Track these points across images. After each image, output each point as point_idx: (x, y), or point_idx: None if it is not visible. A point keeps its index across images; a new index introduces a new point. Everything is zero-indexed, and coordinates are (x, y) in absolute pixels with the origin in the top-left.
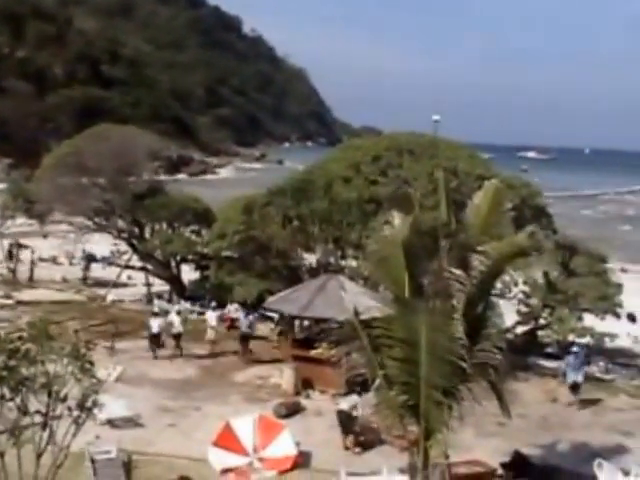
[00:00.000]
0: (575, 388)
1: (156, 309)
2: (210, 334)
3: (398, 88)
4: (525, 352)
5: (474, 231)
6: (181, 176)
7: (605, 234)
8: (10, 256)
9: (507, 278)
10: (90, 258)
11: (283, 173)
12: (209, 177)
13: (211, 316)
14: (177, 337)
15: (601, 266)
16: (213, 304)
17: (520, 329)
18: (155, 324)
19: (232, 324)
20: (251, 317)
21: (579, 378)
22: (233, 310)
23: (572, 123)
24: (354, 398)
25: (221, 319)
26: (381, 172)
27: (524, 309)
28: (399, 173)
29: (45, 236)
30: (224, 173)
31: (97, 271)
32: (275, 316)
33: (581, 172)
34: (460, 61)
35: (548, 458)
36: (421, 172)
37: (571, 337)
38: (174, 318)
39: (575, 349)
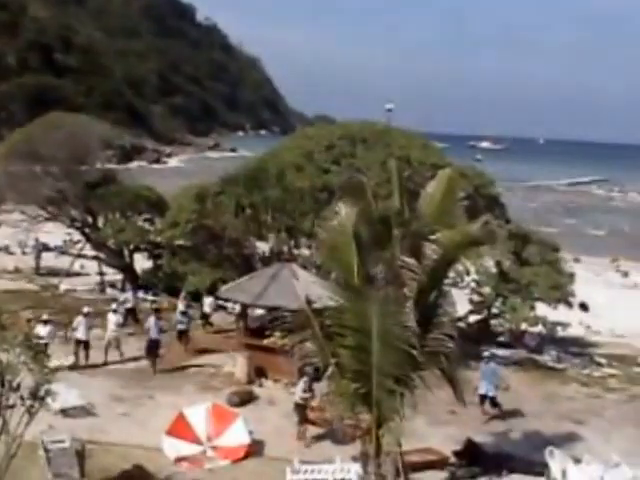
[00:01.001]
0: (483, 401)
1: (114, 306)
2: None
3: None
4: (478, 341)
5: (427, 220)
6: (134, 165)
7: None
8: None
9: (460, 267)
10: (42, 247)
11: (236, 162)
12: (162, 166)
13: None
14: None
15: (554, 255)
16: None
17: (473, 318)
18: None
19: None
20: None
21: (489, 390)
22: (207, 304)
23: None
24: (300, 383)
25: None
26: (334, 161)
27: (477, 298)
28: (352, 162)
29: None
30: (177, 162)
31: (50, 260)
32: (229, 305)
33: (534, 162)
34: (411, 46)
35: (500, 446)
36: (374, 161)
37: (523, 326)
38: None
39: (486, 353)
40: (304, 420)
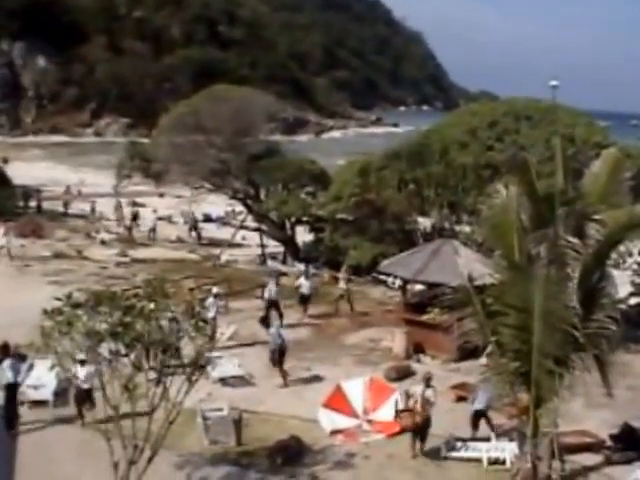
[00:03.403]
0: (477, 418)
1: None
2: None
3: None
4: (638, 324)
5: (591, 199)
6: (299, 137)
7: None
8: (134, 218)
9: (622, 248)
10: (196, 221)
11: (399, 137)
12: (325, 138)
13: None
14: None
15: None
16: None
17: (634, 300)
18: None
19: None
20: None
21: (480, 404)
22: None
23: None
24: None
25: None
26: (498, 138)
27: (638, 280)
28: (516, 139)
29: (161, 195)
30: (340, 135)
31: (212, 231)
32: (389, 280)
33: None
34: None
35: None
36: (538, 139)
37: None
38: None
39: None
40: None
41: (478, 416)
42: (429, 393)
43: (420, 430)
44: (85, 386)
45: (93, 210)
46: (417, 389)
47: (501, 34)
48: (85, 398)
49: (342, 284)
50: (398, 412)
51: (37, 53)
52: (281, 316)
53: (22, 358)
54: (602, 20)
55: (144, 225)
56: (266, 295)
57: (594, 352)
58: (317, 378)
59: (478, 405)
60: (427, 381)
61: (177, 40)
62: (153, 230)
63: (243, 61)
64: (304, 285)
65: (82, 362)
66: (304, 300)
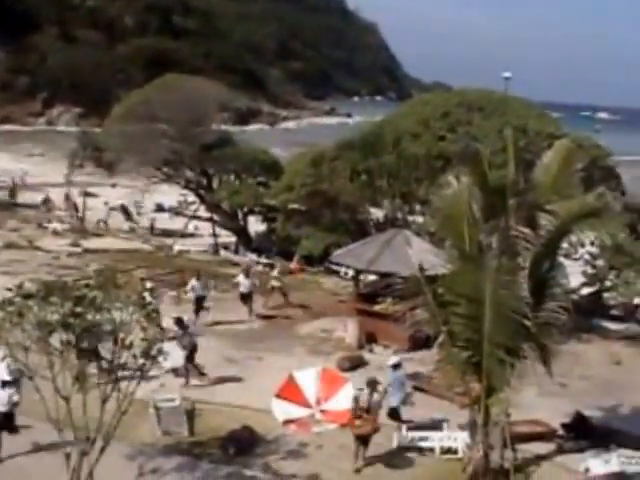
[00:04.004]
0: (393, 415)
1: None
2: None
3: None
4: (589, 314)
5: (543, 190)
6: (251, 127)
7: None
8: (76, 208)
9: (574, 239)
10: (125, 209)
11: (352, 127)
12: (278, 129)
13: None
14: None
15: None
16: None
17: (585, 290)
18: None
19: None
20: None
21: (395, 401)
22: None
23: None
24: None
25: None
26: (450, 128)
27: (590, 270)
28: (468, 130)
29: (113, 186)
30: (293, 125)
31: (164, 221)
32: (342, 270)
33: None
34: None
35: (609, 420)
36: (490, 130)
37: (637, 300)
38: None
39: (393, 361)
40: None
41: (393, 413)
42: (376, 398)
43: (367, 437)
44: (3, 409)
45: (46, 200)
46: (363, 395)
47: (460, 27)
48: (3, 424)
49: (274, 282)
50: (353, 417)
51: None
52: (250, 311)
53: None
54: (554, 15)
55: (95, 215)
56: (241, 289)
57: (545, 342)
58: (269, 368)
59: (393, 402)
60: (372, 386)
61: (131, 30)
62: (105, 221)
63: (197, 51)
64: (242, 283)
65: (4, 384)
66: (244, 299)
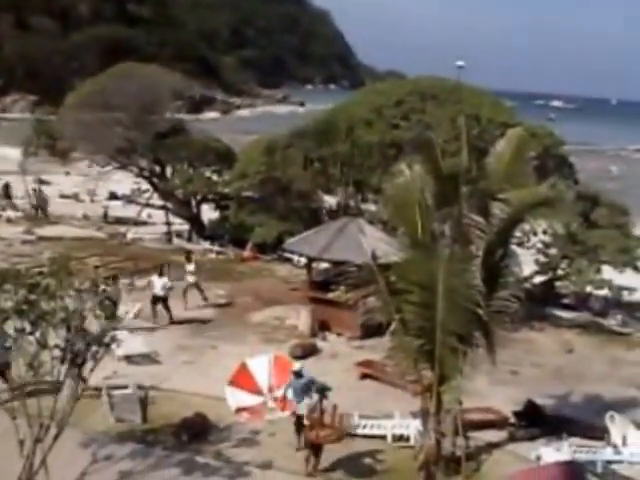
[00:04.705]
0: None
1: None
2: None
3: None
4: (542, 302)
5: (496, 178)
6: (206, 116)
7: None
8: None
9: (527, 227)
10: (43, 200)
11: (305, 115)
12: (230, 117)
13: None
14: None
15: (623, 218)
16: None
17: (538, 279)
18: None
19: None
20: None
21: (300, 409)
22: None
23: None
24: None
25: None
26: (403, 116)
27: (543, 259)
28: (421, 118)
29: (67, 173)
30: (246, 114)
31: (118, 209)
32: (295, 258)
33: (607, 124)
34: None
35: (561, 408)
36: (444, 118)
37: (589, 289)
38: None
39: (296, 367)
40: (312, 447)
41: (300, 423)
42: (325, 404)
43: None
44: None
45: (6, 187)
46: (312, 401)
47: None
48: None
49: (190, 277)
50: (308, 426)
51: None
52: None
53: None
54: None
55: (50, 204)
56: (155, 291)
57: (497, 329)
58: (222, 356)
59: (298, 410)
60: (322, 392)
61: (85, 17)
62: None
63: (151, 39)
64: (156, 284)
65: None
66: (155, 302)
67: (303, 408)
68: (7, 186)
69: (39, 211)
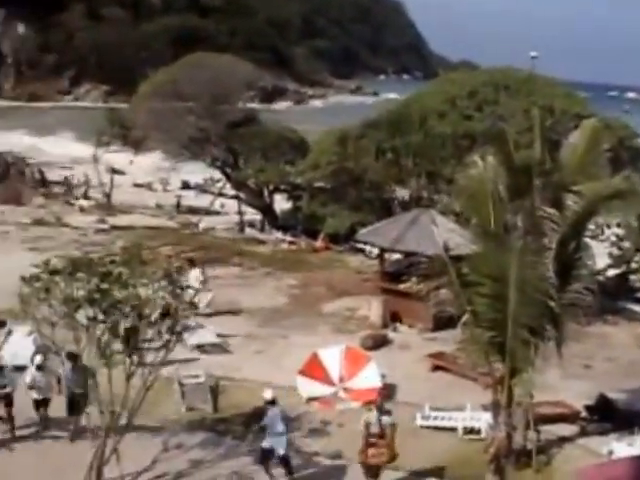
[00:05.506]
0: (285, 463)
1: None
2: None
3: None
4: (615, 296)
5: (569, 170)
6: (279, 105)
7: None
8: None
9: (600, 220)
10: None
11: (378, 105)
12: (303, 107)
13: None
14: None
15: None
16: None
17: (611, 272)
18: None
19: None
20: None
21: (278, 446)
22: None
23: None
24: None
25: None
26: (477, 107)
27: (616, 252)
28: (495, 109)
29: (131, 162)
30: (319, 104)
31: (190, 199)
32: (367, 249)
33: None
34: None
35: (634, 403)
36: (517, 109)
37: None
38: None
39: (268, 396)
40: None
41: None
42: (387, 420)
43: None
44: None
45: (67, 179)
46: (372, 417)
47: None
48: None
49: (195, 283)
50: (365, 446)
51: (16, 20)
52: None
53: (1, 324)
54: None
55: (122, 193)
56: None
57: (569, 323)
58: (293, 346)
59: (280, 449)
60: (381, 409)
61: (156, 7)
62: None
63: (222, 29)
64: (35, 378)
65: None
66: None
67: (281, 446)
68: (42, 172)
69: (109, 200)
